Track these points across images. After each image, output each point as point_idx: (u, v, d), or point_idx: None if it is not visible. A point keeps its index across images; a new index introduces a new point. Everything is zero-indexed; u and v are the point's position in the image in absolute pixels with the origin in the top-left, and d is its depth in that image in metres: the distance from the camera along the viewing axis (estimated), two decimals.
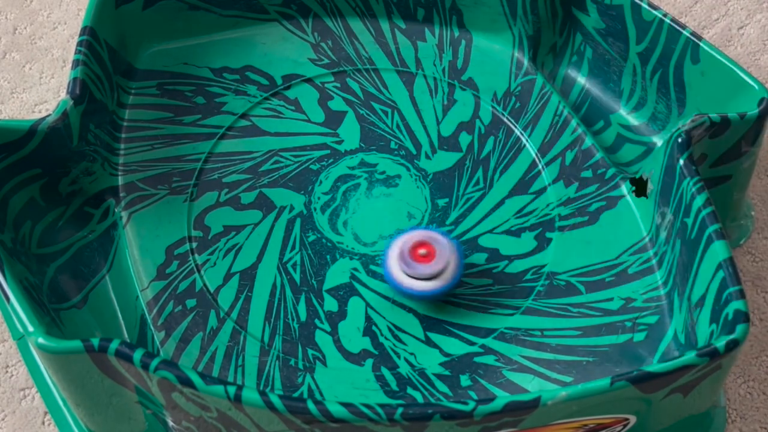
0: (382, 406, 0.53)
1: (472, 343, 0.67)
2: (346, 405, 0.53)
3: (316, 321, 0.68)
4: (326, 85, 0.81)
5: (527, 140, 0.77)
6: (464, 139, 0.78)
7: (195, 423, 0.58)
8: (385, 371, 0.66)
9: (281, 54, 0.82)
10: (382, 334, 0.68)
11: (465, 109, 0.80)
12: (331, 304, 0.69)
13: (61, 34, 0.88)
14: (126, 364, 0.55)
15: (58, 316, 0.65)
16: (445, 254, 0.66)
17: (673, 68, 0.75)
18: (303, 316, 0.68)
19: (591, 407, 0.55)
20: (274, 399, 0.53)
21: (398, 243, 0.67)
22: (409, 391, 0.65)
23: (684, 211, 0.65)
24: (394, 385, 0.65)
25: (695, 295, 0.63)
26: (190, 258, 0.71)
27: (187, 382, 0.54)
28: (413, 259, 0.66)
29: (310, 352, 0.67)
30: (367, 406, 0.53)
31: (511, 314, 0.69)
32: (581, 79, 0.81)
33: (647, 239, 0.71)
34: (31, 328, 0.57)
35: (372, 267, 0.71)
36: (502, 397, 0.53)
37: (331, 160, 0.76)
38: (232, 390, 0.53)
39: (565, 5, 0.79)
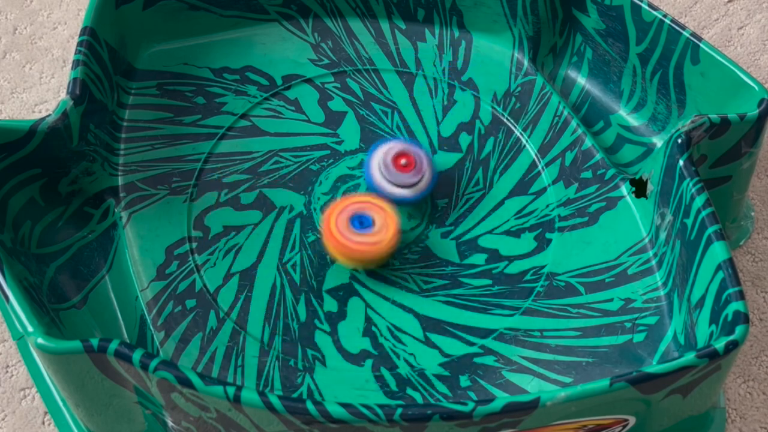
0: (381, 406, 0.53)
1: (472, 344, 0.67)
2: (345, 405, 0.53)
3: (316, 321, 0.68)
4: (326, 85, 0.81)
5: (527, 141, 0.77)
6: (464, 139, 0.78)
7: (194, 423, 0.58)
8: (384, 372, 0.66)
9: (281, 54, 0.82)
10: (381, 335, 0.68)
11: (465, 109, 0.80)
12: (330, 304, 0.69)
13: (61, 34, 0.88)
14: (125, 364, 0.55)
15: (58, 316, 0.65)
16: (423, 166, 0.71)
17: (673, 69, 0.75)
18: (303, 317, 0.68)
19: (590, 408, 0.55)
20: (274, 399, 0.53)
21: (380, 151, 0.72)
22: (409, 391, 0.65)
23: (684, 212, 0.65)
24: (393, 386, 0.65)
25: (695, 296, 0.63)
26: (190, 258, 0.71)
27: (186, 383, 0.54)
28: (395, 168, 0.71)
29: (309, 352, 0.67)
30: (367, 406, 0.53)
31: (511, 315, 0.69)
32: (581, 80, 0.81)
33: (647, 240, 0.71)
34: (30, 328, 0.57)
35: (372, 267, 0.71)
36: (502, 398, 0.53)
37: (331, 161, 0.76)
38: (231, 390, 0.53)
39: (565, 6, 0.79)
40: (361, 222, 0.68)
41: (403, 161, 0.71)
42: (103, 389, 0.59)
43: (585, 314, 0.68)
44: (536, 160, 0.76)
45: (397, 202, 0.71)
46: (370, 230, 0.68)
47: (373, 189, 0.72)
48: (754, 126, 0.68)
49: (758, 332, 0.71)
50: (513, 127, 0.78)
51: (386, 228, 0.68)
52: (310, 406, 0.53)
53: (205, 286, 0.69)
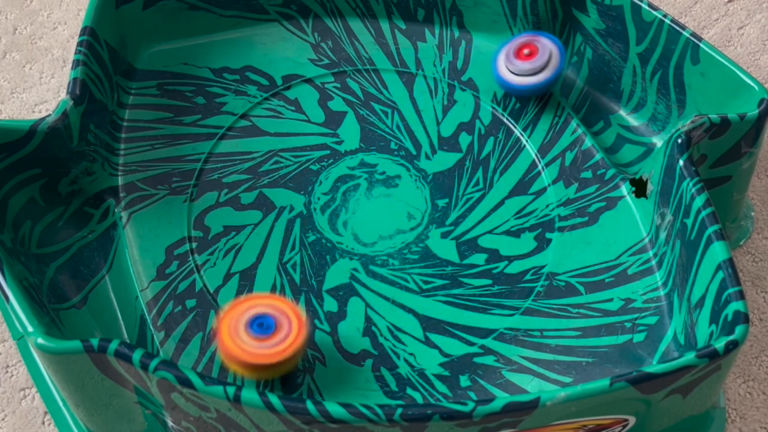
0: (381, 406, 0.53)
1: (472, 344, 0.67)
2: (345, 405, 0.53)
3: (316, 321, 0.68)
4: (326, 85, 0.81)
5: (527, 141, 0.77)
6: (464, 139, 0.78)
7: (194, 423, 0.58)
8: (384, 372, 0.66)
9: (281, 54, 0.82)
10: (381, 335, 0.68)
11: (465, 109, 0.80)
12: (330, 304, 0.69)
13: (61, 34, 0.88)
14: (125, 364, 0.55)
15: (58, 316, 0.65)
16: (546, 52, 0.74)
17: (673, 69, 0.75)
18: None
19: (590, 408, 0.55)
20: (274, 399, 0.53)
21: (505, 46, 0.76)
22: (409, 391, 0.65)
23: (684, 212, 0.65)
24: (393, 386, 0.65)
25: (695, 295, 0.63)
26: (190, 258, 0.71)
27: (186, 383, 0.54)
28: (518, 58, 0.74)
29: (309, 352, 0.67)
30: (367, 406, 0.53)
31: (511, 315, 0.69)
32: (581, 80, 0.81)
33: (647, 240, 0.71)
34: (30, 328, 0.57)
35: (372, 267, 0.71)
36: (502, 398, 0.53)
37: (331, 161, 0.76)
38: (231, 390, 0.53)
39: (565, 6, 0.79)
40: (261, 325, 0.61)
41: (526, 51, 0.74)
42: (103, 389, 0.59)
43: (585, 314, 0.68)
44: (536, 160, 0.76)
45: (526, 92, 0.76)
46: (270, 335, 0.61)
47: (501, 82, 0.76)
48: (754, 126, 0.68)
49: (758, 332, 0.71)
50: (513, 127, 0.78)
51: (291, 332, 0.61)
52: (310, 406, 0.53)
53: (205, 286, 0.69)
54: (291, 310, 0.62)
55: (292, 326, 0.61)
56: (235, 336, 0.60)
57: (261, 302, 0.62)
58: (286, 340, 0.60)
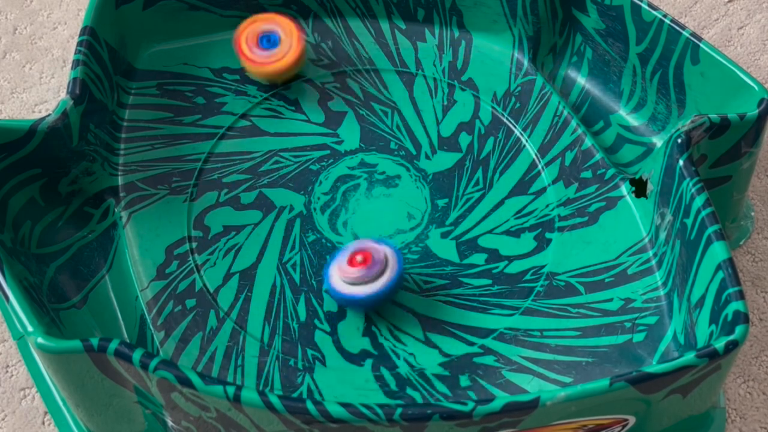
0: (381, 406, 0.53)
1: (472, 344, 0.67)
2: (345, 405, 0.53)
3: (316, 321, 0.68)
4: (326, 85, 0.81)
5: (527, 141, 0.77)
6: (464, 139, 0.78)
7: (194, 423, 0.58)
8: (384, 371, 0.66)
9: None
10: (381, 335, 0.68)
11: (465, 109, 0.80)
12: (330, 304, 0.69)
13: (61, 34, 0.88)
14: (125, 364, 0.55)
15: (58, 316, 0.65)
16: (380, 257, 0.66)
17: (673, 69, 0.75)
18: (303, 317, 0.68)
19: (590, 408, 0.55)
20: (274, 399, 0.53)
21: (337, 256, 0.67)
22: (409, 391, 0.65)
23: (684, 212, 0.65)
24: (393, 386, 0.65)
25: (695, 295, 0.63)
26: (190, 258, 0.71)
27: (186, 382, 0.54)
28: (349, 264, 0.66)
29: (309, 352, 0.67)
30: (367, 406, 0.53)
31: (511, 315, 0.69)
32: (581, 80, 0.81)
33: (647, 240, 0.71)
34: (30, 328, 0.57)
35: None
36: (501, 398, 0.53)
37: (331, 161, 0.76)
38: (231, 390, 0.53)
39: (565, 6, 0.79)
40: (269, 40, 0.77)
41: (359, 258, 0.66)
42: (103, 389, 0.59)
43: (585, 314, 0.68)
44: (536, 159, 0.76)
45: (357, 303, 0.66)
46: (275, 49, 0.77)
47: (331, 291, 0.67)
48: (753, 126, 0.68)
49: (758, 332, 0.71)
50: (513, 127, 0.78)
51: (290, 47, 0.77)
52: (310, 405, 0.53)
53: (205, 285, 0.69)
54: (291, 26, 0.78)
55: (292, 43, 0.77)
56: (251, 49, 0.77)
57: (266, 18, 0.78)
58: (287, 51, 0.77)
